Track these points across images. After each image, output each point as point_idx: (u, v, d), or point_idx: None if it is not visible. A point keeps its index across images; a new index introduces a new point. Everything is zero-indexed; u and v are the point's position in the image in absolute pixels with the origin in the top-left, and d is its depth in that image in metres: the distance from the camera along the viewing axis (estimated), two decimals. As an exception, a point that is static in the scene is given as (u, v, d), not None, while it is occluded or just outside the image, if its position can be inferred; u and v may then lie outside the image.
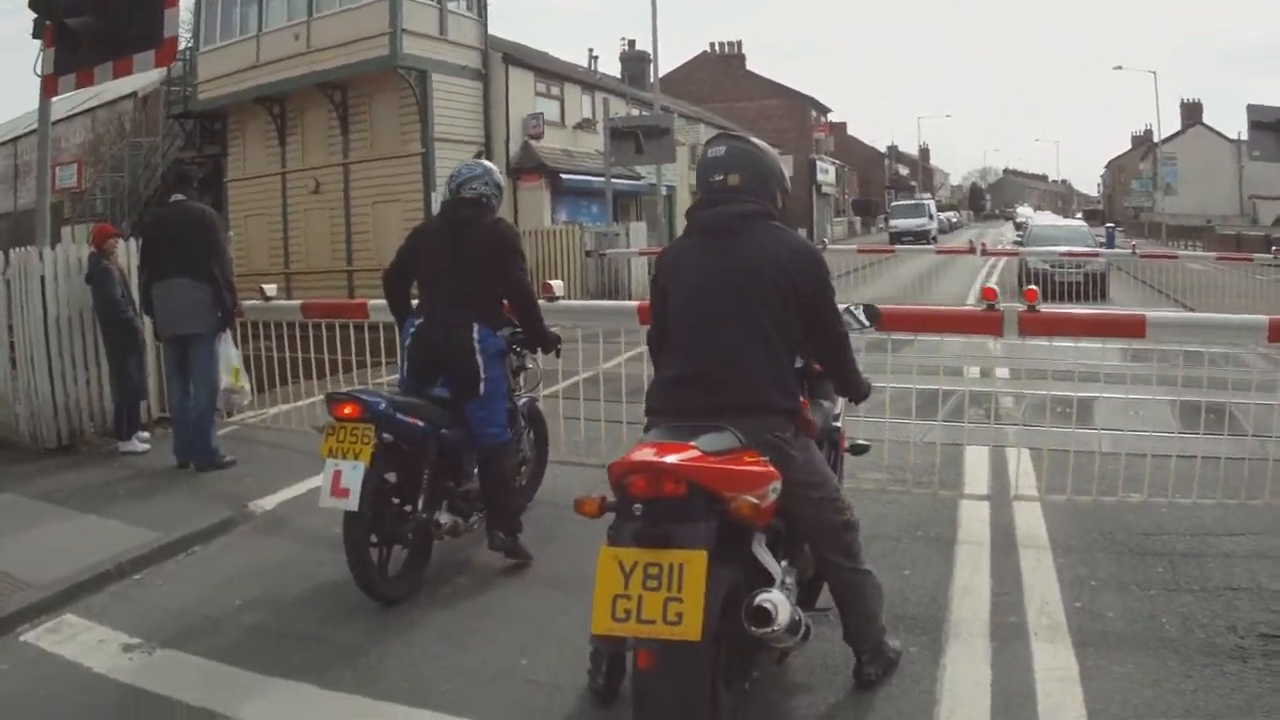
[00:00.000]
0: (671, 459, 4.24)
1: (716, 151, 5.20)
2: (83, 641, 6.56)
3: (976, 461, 9.92)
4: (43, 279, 11.23)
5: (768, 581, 4.65)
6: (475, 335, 7.14)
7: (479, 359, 7.13)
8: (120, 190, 40.11)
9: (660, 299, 5.26)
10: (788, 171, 5.79)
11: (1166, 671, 5.61)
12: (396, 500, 6.91)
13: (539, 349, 8.16)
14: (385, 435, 6.65)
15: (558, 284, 10.10)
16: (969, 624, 6.31)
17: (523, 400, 8.35)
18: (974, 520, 8.33)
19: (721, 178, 5.14)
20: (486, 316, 7.27)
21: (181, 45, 35.86)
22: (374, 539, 6.70)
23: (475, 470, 7.42)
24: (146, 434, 11.58)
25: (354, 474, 6.43)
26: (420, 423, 6.87)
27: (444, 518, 7.07)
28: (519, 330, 7.86)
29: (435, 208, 31.26)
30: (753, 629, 4.44)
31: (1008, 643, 6.02)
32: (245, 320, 11.82)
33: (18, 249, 11.40)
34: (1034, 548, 7.65)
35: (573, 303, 9.45)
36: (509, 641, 6.23)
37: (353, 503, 6.41)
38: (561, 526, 7.87)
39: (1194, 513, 8.21)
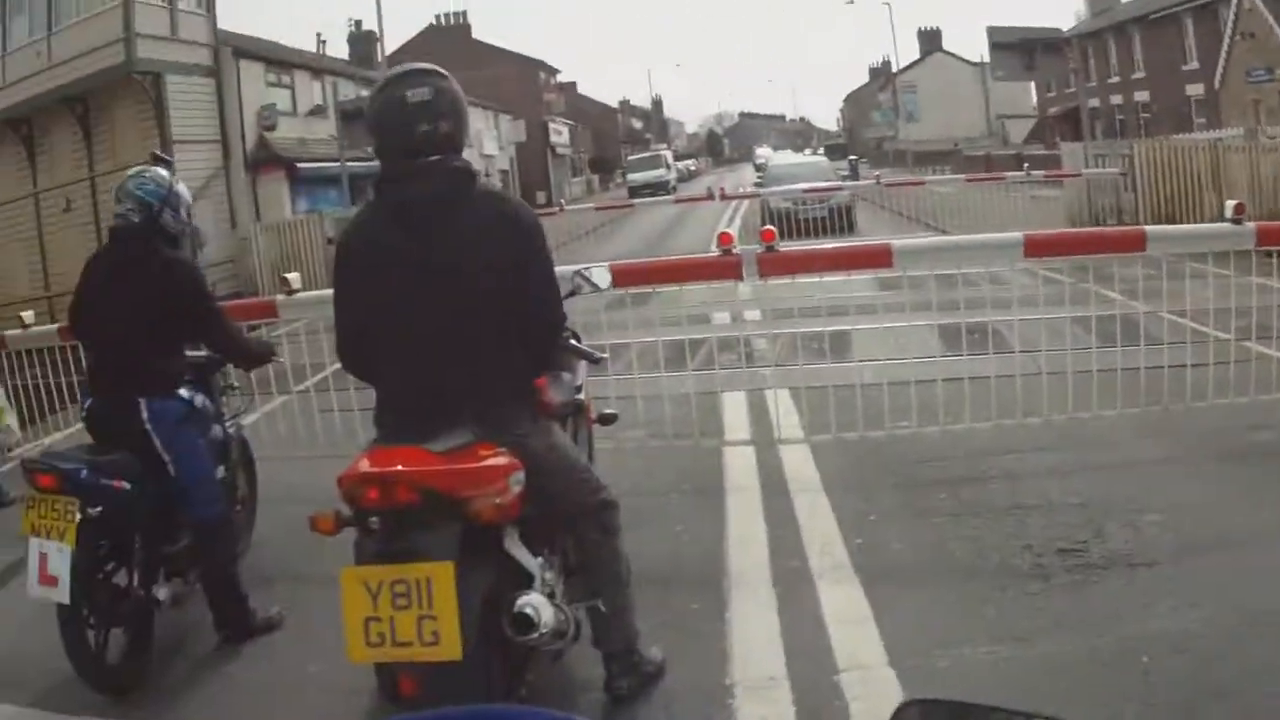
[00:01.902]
0: (400, 465, 4.02)
1: (420, 93, 4.39)
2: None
3: (735, 407, 9.89)
4: None
5: (528, 580, 4.40)
6: (144, 415, 6.11)
7: (155, 440, 6.13)
8: None
9: (350, 296, 4.65)
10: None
11: (964, 599, 5.62)
12: (109, 575, 6.07)
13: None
14: (90, 510, 5.75)
15: (294, 277, 9.48)
16: (750, 574, 6.21)
17: (231, 425, 7.51)
18: (740, 467, 8.29)
19: (430, 128, 4.37)
20: (156, 381, 6.20)
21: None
22: (89, 618, 5.86)
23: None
24: None
25: (60, 559, 5.66)
26: (126, 484, 5.97)
27: (163, 591, 6.18)
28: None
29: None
30: (516, 637, 4.20)
31: (793, 588, 5.94)
32: (7, 350, 11.12)
33: None
34: (806, 490, 7.63)
35: (314, 293, 9.03)
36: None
37: (63, 593, 5.63)
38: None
39: (970, 436, 8.29)
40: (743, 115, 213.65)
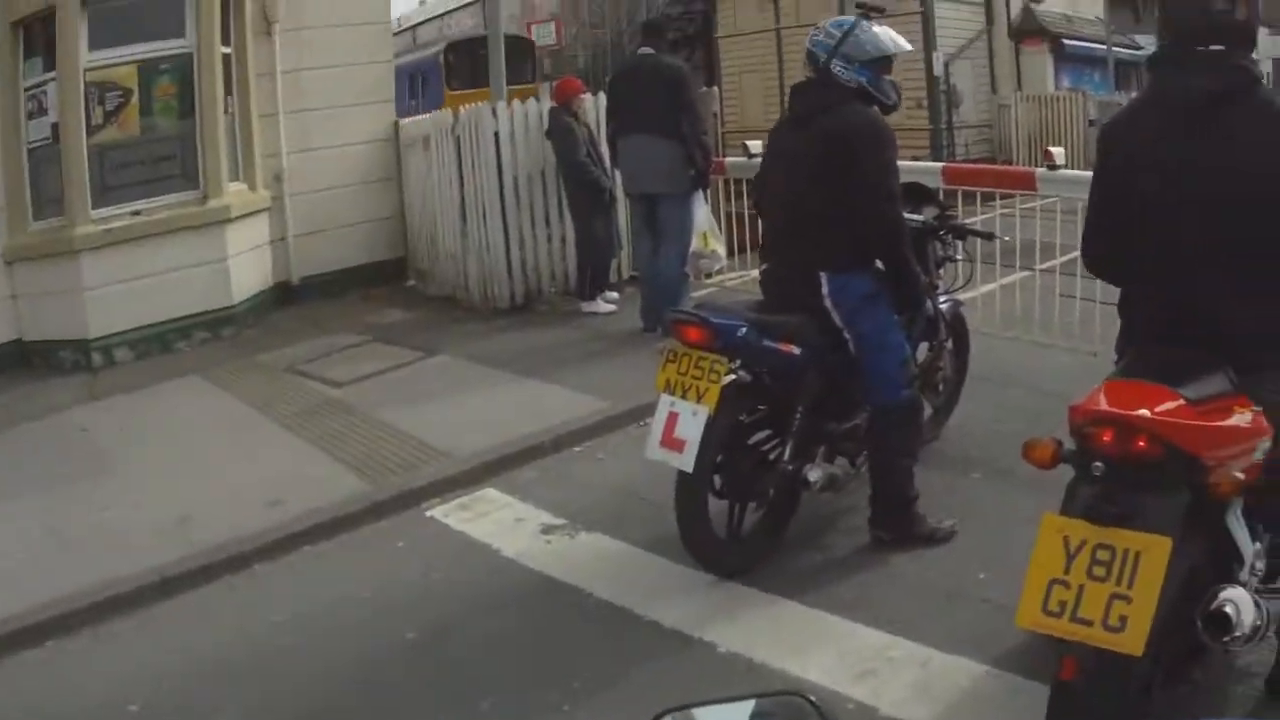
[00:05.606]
0: (1145, 409, 3.36)
1: None
2: (497, 520, 6.36)
3: None
4: (496, 135, 11.12)
5: (1235, 561, 3.55)
6: (824, 290, 5.54)
7: (836, 316, 5.57)
8: (602, 46, 40.79)
9: (1110, 190, 4.03)
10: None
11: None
12: (756, 443, 5.66)
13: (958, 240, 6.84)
14: (743, 373, 5.41)
15: (1058, 151, 8.98)
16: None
17: (945, 302, 6.82)
18: None
19: (1227, 8, 3.71)
20: (838, 259, 5.55)
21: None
22: (721, 489, 5.54)
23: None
24: (615, 294, 11.29)
25: (693, 423, 5.20)
26: (796, 350, 5.45)
27: (814, 473, 5.56)
28: (947, 214, 6.80)
29: (937, 68, 29.67)
30: (1206, 636, 3.39)
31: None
32: (728, 178, 11.25)
33: (469, 106, 11.44)
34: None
35: (1076, 173, 8.46)
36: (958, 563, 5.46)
37: (687, 461, 5.24)
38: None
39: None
40: None
